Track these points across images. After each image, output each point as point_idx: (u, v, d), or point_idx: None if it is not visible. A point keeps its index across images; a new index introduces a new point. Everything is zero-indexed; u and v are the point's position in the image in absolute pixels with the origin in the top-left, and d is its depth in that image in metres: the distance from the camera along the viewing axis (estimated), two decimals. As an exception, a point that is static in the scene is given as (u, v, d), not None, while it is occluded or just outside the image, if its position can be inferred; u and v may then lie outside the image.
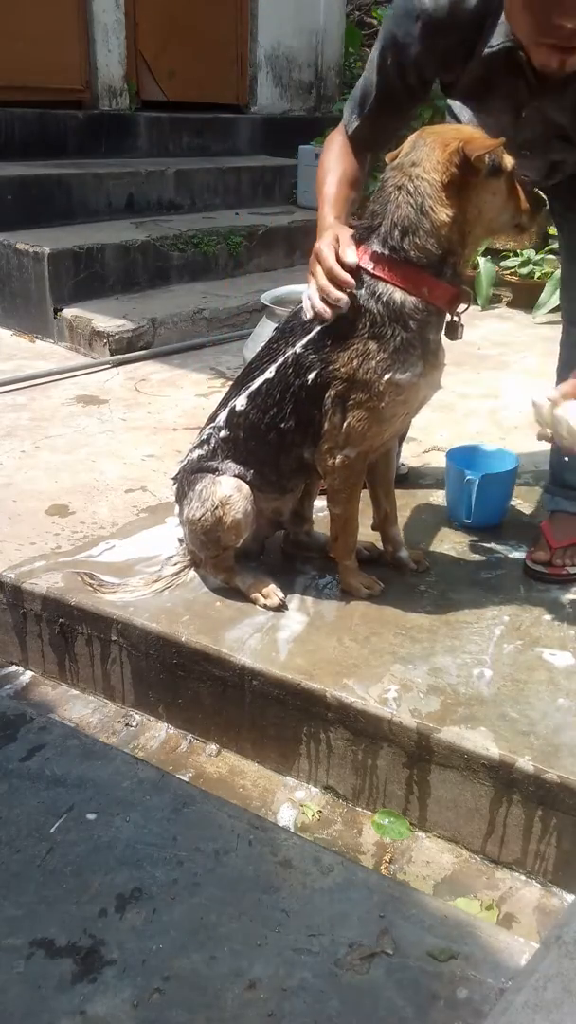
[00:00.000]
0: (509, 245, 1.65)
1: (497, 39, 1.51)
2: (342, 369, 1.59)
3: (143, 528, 2.12)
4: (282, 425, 1.67)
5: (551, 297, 4.17)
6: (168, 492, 2.30)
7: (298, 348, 1.63)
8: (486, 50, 1.53)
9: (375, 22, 6.50)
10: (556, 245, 2.39)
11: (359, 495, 1.77)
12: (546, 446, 2.02)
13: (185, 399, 3.09)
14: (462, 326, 1.63)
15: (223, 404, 1.78)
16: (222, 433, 1.75)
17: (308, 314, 1.61)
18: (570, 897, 1.40)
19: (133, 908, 1.30)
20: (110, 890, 1.32)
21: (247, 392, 1.71)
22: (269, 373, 1.67)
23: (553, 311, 4.07)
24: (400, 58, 1.61)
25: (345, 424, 1.62)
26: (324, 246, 1.58)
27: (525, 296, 4.40)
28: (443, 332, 1.63)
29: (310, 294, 1.59)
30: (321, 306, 1.56)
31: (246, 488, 1.73)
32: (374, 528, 1.93)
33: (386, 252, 1.53)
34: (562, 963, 1.04)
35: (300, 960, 1.22)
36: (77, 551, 2.00)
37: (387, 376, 1.57)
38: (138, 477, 2.42)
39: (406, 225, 1.50)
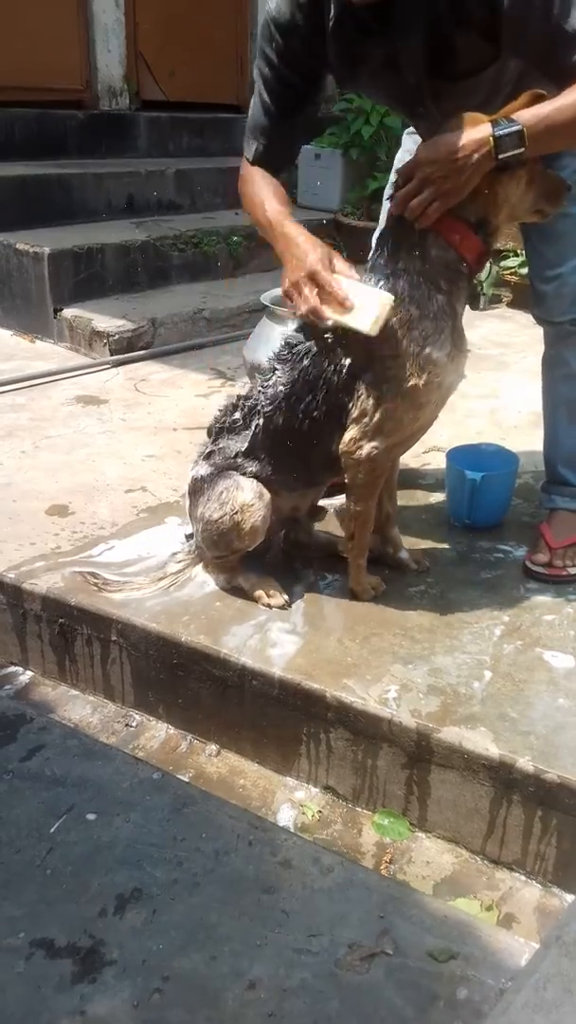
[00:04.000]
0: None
1: (334, 10, 1.56)
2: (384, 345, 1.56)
3: (143, 528, 2.12)
4: (315, 414, 1.64)
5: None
6: (168, 492, 2.30)
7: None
8: (330, 24, 1.57)
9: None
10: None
11: (378, 492, 1.76)
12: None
13: (185, 399, 3.09)
14: (483, 295, 1.68)
15: (251, 410, 1.74)
16: (247, 435, 1.72)
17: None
18: (570, 897, 1.40)
19: (133, 908, 1.30)
20: (110, 890, 1.32)
21: (276, 388, 1.68)
22: (306, 361, 1.65)
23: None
24: (274, 66, 1.68)
25: (379, 410, 1.60)
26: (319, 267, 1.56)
27: (525, 296, 4.39)
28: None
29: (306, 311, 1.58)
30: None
31: (267, 495, 1.71)
32: (373, 530, 1.93)
33: None
34: (562, 963, 1.05)
35: (300, 960, 1.22)
36: (77, 551, 2.00)
37: (427, 349, 1.56)
38: (138, 477, 2.42)
39: None
